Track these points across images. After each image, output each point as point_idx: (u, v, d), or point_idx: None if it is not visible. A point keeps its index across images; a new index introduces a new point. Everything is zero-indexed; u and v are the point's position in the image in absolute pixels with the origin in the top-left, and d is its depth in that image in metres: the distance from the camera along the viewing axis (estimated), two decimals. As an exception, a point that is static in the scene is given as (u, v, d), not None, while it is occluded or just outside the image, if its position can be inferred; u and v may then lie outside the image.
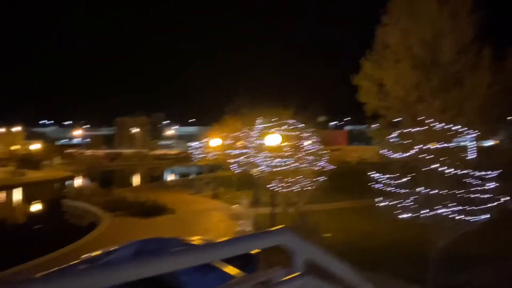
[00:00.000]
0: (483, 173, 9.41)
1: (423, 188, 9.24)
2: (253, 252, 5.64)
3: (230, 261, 5.17)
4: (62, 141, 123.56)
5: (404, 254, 12.67)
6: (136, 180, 34.89)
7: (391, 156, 11.19)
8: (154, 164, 59.41)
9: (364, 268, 12.23)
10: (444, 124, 10.78)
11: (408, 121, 14.53)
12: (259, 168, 18.03)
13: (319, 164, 16.51)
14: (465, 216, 9.27)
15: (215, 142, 27.12)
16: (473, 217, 9.29)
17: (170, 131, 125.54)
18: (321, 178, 15.96)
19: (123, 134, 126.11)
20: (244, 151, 21.55)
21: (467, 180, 9.33)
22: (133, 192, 27.53)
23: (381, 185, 10.09)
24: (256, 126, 20.32)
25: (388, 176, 9.86)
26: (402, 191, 9.43)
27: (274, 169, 16.42)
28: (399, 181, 9.36)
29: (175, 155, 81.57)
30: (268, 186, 16.76)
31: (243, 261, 5.49)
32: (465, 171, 9.30)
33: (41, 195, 37.57)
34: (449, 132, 10.27)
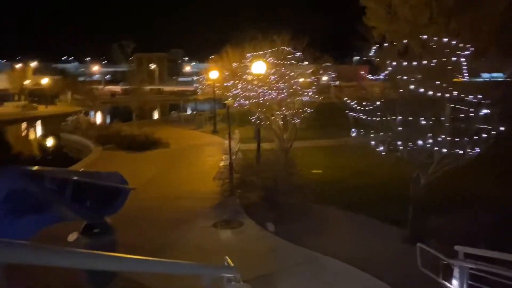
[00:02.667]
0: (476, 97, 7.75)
1: (401, 116, 7.73)
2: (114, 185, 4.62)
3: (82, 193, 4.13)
4: (82, 77, 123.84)
5: (387, 193, 11.46)
6: (142, 115, 34.75)
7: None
8: (166, 100, 58.73)
9: (348, 208, 11.31)
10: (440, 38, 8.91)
11: (416, 47, 12.70)
12: (241, 100, 16.61)
13: (308, 95, 14.95)
14: (452, 150, 7.80)
15: (212, 75, 25.52)
16: (461, 151, 7.81)
17: (189, 68, 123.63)
18: (309, 111, 14.51)
19: (141, 70, 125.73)
20: (234, 82, 20.03)
21: (457, 106, 7.75)
22: (134, 127, 26.74)
23: (357, 114, 8.61)
24: (248, 55, 18.65)
25: (363, 103, 8.34)
26: (377, 120, 7.95)
27: (259, 101, 14.98)
28: (372, 107, 7.84)
29: (191, 91, 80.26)
30: (252, 119, 15.46)
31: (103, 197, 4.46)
32: (454, 95, 7.68)
33: (47, 129, 37.70)
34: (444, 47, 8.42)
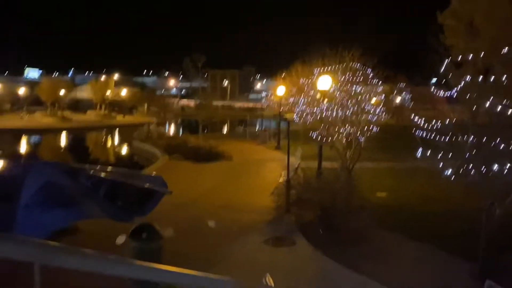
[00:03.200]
0: None
1: (475, 137, 6.96)
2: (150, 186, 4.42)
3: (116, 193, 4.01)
4: (159, 90, 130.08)
5: (456, 222, 10.44)
6: (210, 128, 36.03)
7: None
8: (235, 116, 59.95)
9: (412, 236, 10.45)
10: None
11: (498, 66, 11.71)
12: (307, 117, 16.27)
13: (375, 114, 14.26)
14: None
15: (279, 91, 25.41)
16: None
17: (260, 85, 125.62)
18: (375, 130, 13.82)
19: (215, 86, 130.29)
20: (299, 98, 19.75)
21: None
22: (200, 139, 27.45)
23: (424, 133, 7.92)
24: (315, 71, 18.32)
25: (432, 122, 7.66)
26: (446, 140, 7.23)
27: (322, 118, 14.57)
28: (441, 125, 7.15)
29: (259, 108, 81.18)
30: (314, 136, 15.05)
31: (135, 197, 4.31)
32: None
33: (122, 136, 40.01)
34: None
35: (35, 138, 38.38)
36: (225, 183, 16.53)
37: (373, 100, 15.69)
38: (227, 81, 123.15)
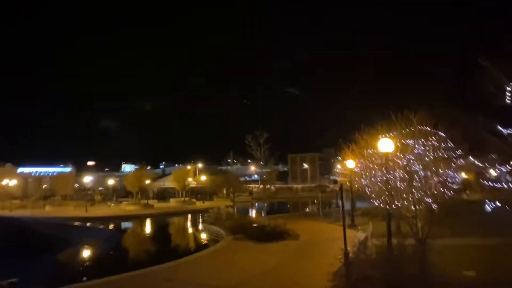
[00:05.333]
0: None
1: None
2: None
3: None
4: (241, 177, 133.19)
5: None
6: (281, 209, 35.11)
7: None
8: (308, 196, 58.68)
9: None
10: None
11: None
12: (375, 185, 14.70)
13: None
14: None
15: (349, 164, 23.84)
16: None
17: (339, 165, 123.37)
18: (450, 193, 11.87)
19: (295, 170, 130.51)
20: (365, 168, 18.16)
21: None
22: (265, 218, 26.71)
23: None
24: (380, 137, 16.95)
25: None
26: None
27: (385, 182, 12.96)
28: None
29: (333, 186, 79.04)
30: (377, 202, 13.36)
31: None
32: None
33: (196, 220, 40.65)
34: None
35: (116, 223, 40.50)
36: (283, 264, 15.01)
37: (463, 174, 13.82)
38: (306, 164, 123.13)
